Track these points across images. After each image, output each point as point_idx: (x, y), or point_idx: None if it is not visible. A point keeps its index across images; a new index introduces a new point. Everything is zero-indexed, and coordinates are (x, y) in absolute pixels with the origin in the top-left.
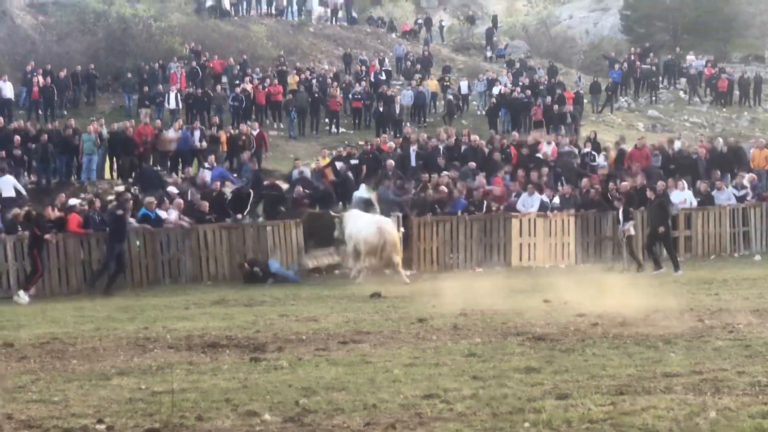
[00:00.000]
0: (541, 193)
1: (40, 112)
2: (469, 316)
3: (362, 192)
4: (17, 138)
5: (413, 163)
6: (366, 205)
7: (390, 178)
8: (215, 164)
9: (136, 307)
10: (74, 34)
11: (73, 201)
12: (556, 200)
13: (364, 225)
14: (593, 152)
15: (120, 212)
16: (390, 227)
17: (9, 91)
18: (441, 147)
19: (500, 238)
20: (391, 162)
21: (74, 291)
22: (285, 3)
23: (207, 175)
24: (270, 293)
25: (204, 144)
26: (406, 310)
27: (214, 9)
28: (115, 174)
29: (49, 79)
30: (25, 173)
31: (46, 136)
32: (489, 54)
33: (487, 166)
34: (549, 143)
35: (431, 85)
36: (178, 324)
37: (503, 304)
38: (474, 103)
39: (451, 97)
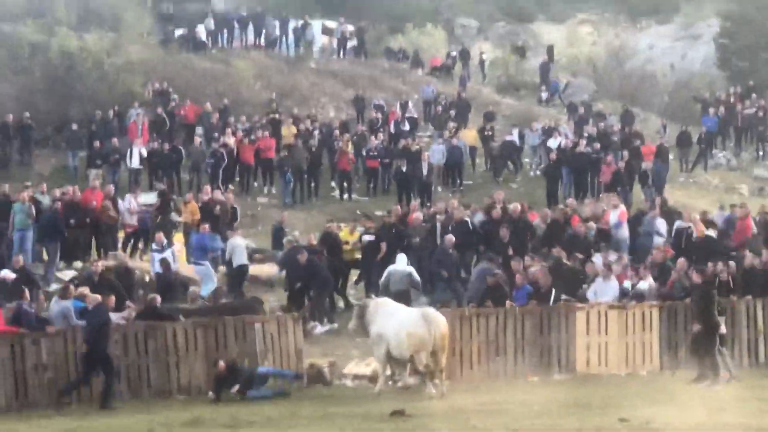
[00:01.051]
0: (619, 277)
1: None
2: None
3: (402, 265)
4: None
5: (439, 240)
6: (404, 289)
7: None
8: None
9: (83, 429)
10: (4, 74)
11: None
12: (643, 285)
13: (404, 317)
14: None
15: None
16: (440, 318)
17: None
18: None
19: (561, 337)
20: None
21: (3, 409)
22: (278, 32)
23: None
24: (260, 411)
25: (175, 217)
26: None
27: (185, 40)
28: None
29: None
30: None
31: None
32: (544, 95)
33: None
34: (616, 207)
35: (468, 136)
36: None
37: (566, 423)
38: (525, 160)
39: (495, 148)
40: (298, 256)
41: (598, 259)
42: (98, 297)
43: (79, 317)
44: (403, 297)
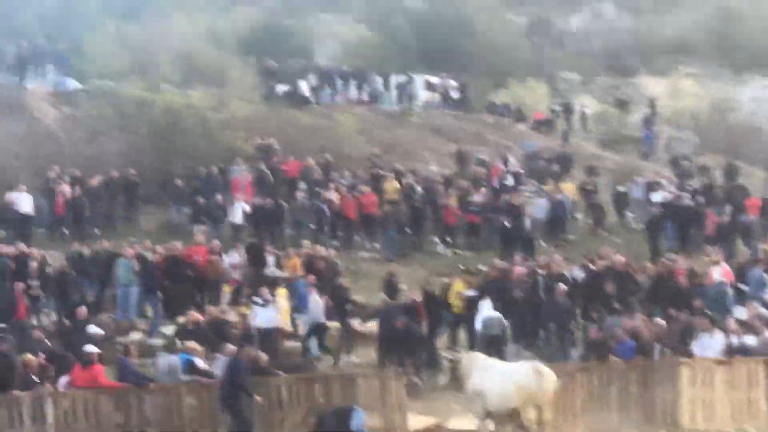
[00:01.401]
0: (727, 332)
1: (65, 231)
2: None
3: (491, 310)
4: (33, 265)
5: (542, 295)
6: (499, 334)
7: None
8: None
9: None
10: (110, 131)
11: (90, 348)
12: (750, 340)
13: (511, 369)
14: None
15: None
16: (550, 373)
17: (27, 204)
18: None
19: (665, 392)
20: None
21: None
22: (380, 87)
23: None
24: None
25: (277, 272)
26: None
27: (289, 96)
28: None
29: (77, 189)
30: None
31: (69, 261)
32: (647, 149)
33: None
34: (716, 263)
35: (567, 188)
36: None
37: None
38: (629, 214)
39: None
40: (396, 324)
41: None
42: (232, 348)
43: (185, 371)
44: (498, 342)
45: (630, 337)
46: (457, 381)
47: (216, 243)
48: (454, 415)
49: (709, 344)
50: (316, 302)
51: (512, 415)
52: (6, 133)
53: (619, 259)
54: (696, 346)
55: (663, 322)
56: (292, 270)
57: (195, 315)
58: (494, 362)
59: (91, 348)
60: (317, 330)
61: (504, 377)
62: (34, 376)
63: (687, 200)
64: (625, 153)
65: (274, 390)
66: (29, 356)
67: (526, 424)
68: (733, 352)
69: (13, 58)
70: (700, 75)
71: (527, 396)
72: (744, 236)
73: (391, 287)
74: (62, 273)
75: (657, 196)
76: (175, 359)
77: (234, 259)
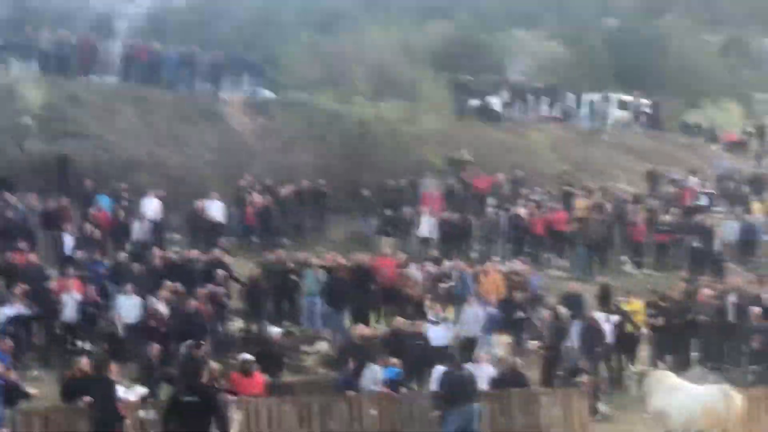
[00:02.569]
0: None
1: (254, 239)
2: None
3: None
4: (220, 273)
5: (731, 317)
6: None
7: None
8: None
9: None
10: (302, 142)
11: (246, 356)
12: None
13: (699, 391)
14: None
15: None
16: (738, 397)
17: (219, 212)
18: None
19: None
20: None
21: None
22: (573, 104)
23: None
24: None
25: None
26: None
27: (480, 111)
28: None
29: (268, 198)
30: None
31: (260, 270)
32: None
33: None
34: None
35: (758, 209)
36: None
37: None
38: None
39: None
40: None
41: None
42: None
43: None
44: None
45: None
46: (642, 396)
47: (403, 257)
48: None
49: None
50: (476, 316)
51: None
52: (200, 141)
53: None
54: None
55: None
56: (493, 286)
57: (361, 329)
58: (682, 383)
59: (247, 356)
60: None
61: (690, 398)
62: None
63: None
64: None
65: None
66: (214, 364)
67: None
68: None
69: (209, 66)
70: None
71: (714, 419)
72: None
73: (605, 298)
74: (253, 282)
75: None
76: (377, 370)
77: (415, 274)
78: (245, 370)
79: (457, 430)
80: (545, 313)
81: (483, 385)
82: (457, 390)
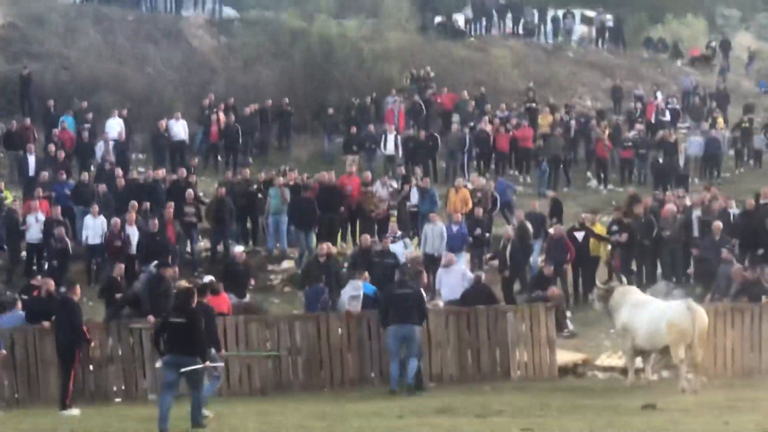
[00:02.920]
0: None
1: (219, 158)
2: None
3: None
4: (190, 193)
5: (695, 232)
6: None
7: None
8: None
9: (334, 413)
10: (264, 60)
11: (209, 278)
12: None
13: (664, 307)
14: None
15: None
16: (703, 311)
17: (182, 131)
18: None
19: None
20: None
21: (257, 391)
22: (536, 21)
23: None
24: (510, 401)
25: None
26: (689, 428)
27: (443, 27)
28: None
29: (232, 117)
30: (198, 238)
31: (224, 189)
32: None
33: None
34: None
35: (722, 124)
36: None
37: None
38: None
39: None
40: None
41: None
42: None
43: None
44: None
45: None
46: (607, 310)
47: (368, 174)
48: (603, 352)
49: None
50: (441, 233)
51: (662, 354)
52: (162, 61)
53: None
54: None
55: None
56: (461, 203)
57: (326, 247)
58: (648, 298)
59: (209, 278)
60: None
61: (656, 313)
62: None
63: None
64: None
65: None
66: (184, 282)
67: (677, 363)
68: None
69: None
70: None
71: (679, 333)
72: None
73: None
74: (218, 201)
75: None
76: (359, 285)
77: (377, 190)
78: (213, 289)
79: (400, 347)
80: (508, 230)
81: (455, 294)
82: (395, 308)
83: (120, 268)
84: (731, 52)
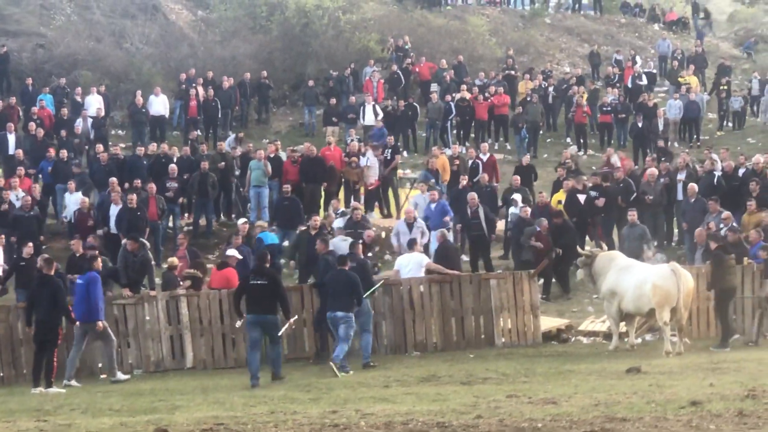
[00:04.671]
0: None
1: (199, 132)
2: (759, 399)
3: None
4: (172, 167)
5: (680, 195)
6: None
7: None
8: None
9: (320, 384)
10: (242, 33)
11: (232, 252)
12: None
13: (649, 270)
14: None
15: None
16: (687, 274)
17: (162, 106)
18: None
19: None
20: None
21: (242, 363)
22: None
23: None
24: (495, 367)
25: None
26: (674, 390)
27: None
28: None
29: (210, 91)
30: (179, 212)
31: (207, 163)
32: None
33: None
34: None
35: (692, 81)
36: (376, 407)
37: None
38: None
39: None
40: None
41: None
42: None
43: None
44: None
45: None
46: (591, 277)
47: (354, 144)
48: (587, 318)
49: None
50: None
51: (648, 317)
52: (140, 36)
53: (758, 158)
54: None
55: None
56: (442, 170)
57: (318, 219)
58: (632, 262)
59: (232, 252)
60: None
61: (641, 277)
62: (179, 278)
63: None
64: (760, 53)
65: (406, 291)
66: (174, 259)
67: (662, 326)
68: None
69: None
70: None
71: (664, 296)
72: None
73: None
74: (203, 175)
75: None
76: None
77: (368, 161)
78: (220, 265)
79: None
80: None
81: (419, 272)
82: (328, 287)
83: (77, 243)
84: (710, 15)
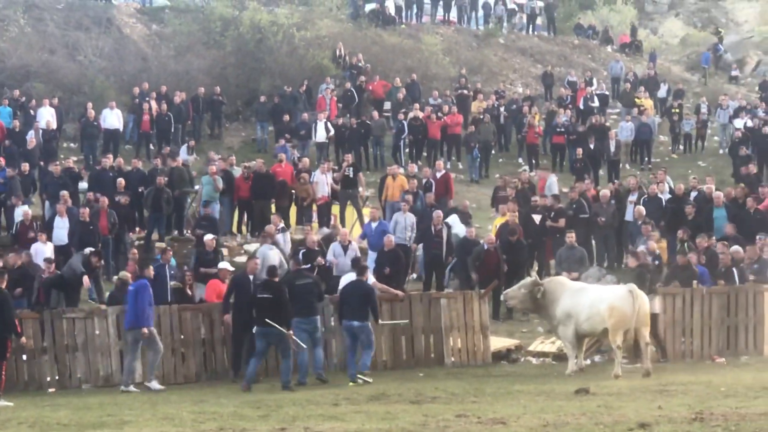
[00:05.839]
0: None
1: (151, 147)
2: (707, 422)
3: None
4: (121, 181)
5: (629, 217)
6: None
7: None
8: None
9: (270, 401)
10: (196, 48)
11: (223, 264)
12: None
13: (605, 291)
14: None
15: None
16: (644, 296)
17: (117, 120)
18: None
19: (748, 318)
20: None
21: (192, 378)
22: (468, 8)
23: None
24: (444, 387)
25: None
26: (622, 412)
27: (375, 15)
28: (244, 228)
29: (164, 105)
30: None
31: (163, 178)
32: (735, 73)
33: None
34: None
35: (647, 104)
36: (325, 424)
37: (752, 406)
38: (715, 138)
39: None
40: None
41: None
42: None
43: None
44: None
45: (708, 263)
46: (537, 306)
47: (306, 161)
48: (537, 338)
49: None
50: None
51: (602, 337)
52: (93, 49)
53: (707, 183)
54: None
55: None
56: (399, 189)
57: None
58: (583, 285)
59: (224, 264)
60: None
61: (595, 297)
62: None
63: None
64: (713, 76)
65: None
66: (126, 273)
67: (615, 348)
68: None
69: None
70: None
71: (620, 318)
72: None
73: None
74: (158, 189)
75: (739, 122)
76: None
77: (317, 177)
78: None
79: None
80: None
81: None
82: (343, 298)
83: (12, 257)
84: (661, 38)
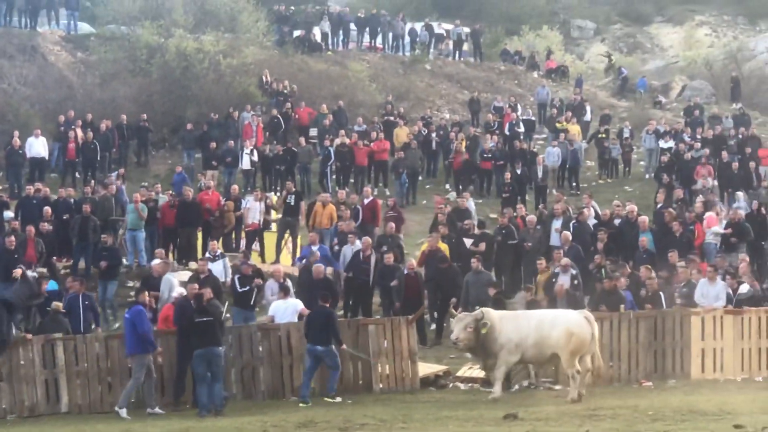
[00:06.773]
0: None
1: (77, 175)
2: None
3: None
4: (47, 210)
5: (555, 241)
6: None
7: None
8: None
9: (198, 429)
10: (122, 76)
11: (178, 290)
12: (744, 289)
13: (557, 315)
14: None
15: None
16: (593, 321)
17: (42, 148)
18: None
19: (675, 342)
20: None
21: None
22: (397, 33)
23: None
24: (373, 413)
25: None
26: None
27: (301, 42)
28: (172, 255)
29: (89, 133)
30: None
31: (89, 207)
32: (660, 98)
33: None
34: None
35: (573, 129)
36: None
37: (680, 430)
38: (642, 163)
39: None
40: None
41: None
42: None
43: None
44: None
45: (635, 287)
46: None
47: (235, 188)
48: (465, 364)
49: (713, 293)
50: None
51: (550, 362)
52: (18, 77)
53: (632, 208)
54: (698, 295)
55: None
56: (328, 219)
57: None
58: (524, 312)
59: (179, 290)
60: None
61: (545, 321)
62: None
63: (696, 150)
64: (638, 101)
65: (284, 335)
66: (58, 303)
67: (568, 373)
68: (735, 301)
69: (26, 2)
70: (714, 24)
71: (579, 343)
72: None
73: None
74: (84, 218)
75: (664, 144)
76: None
77: (248, 204)
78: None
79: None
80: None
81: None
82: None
83: None
84: (587, 63)
